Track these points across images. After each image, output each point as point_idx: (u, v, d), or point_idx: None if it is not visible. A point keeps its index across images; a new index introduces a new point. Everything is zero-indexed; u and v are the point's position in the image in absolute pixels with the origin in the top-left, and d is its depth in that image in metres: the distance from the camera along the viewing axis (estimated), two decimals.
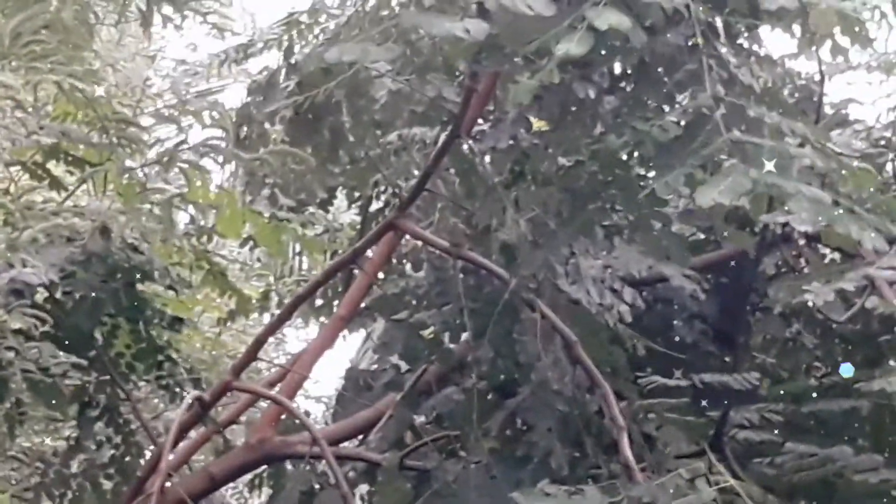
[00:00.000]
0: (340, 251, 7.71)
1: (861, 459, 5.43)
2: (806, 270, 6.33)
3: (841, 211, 3.63)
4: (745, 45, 4.75)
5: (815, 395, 6.32)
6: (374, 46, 4.07)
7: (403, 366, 6.64)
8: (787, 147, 3.80)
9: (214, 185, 6.99)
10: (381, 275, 6.70)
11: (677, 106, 4.44)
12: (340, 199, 7.64)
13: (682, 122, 4.23)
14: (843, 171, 4.18)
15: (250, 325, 8.69)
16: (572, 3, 3.94)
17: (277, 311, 7.54)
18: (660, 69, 4.56)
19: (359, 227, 7.66)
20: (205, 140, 6.56)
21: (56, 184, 7.05)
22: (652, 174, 5.25)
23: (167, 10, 7.07)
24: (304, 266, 8.77)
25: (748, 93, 4.34)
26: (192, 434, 6.32)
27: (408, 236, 6.27)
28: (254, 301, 8.32)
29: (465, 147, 5.75)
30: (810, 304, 5.77)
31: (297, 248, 8.38)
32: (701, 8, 4.19)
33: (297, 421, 6.13)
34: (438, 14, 4.15)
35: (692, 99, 4.24)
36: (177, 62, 9.69)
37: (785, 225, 5.85)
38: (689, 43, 4.40)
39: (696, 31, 4.05)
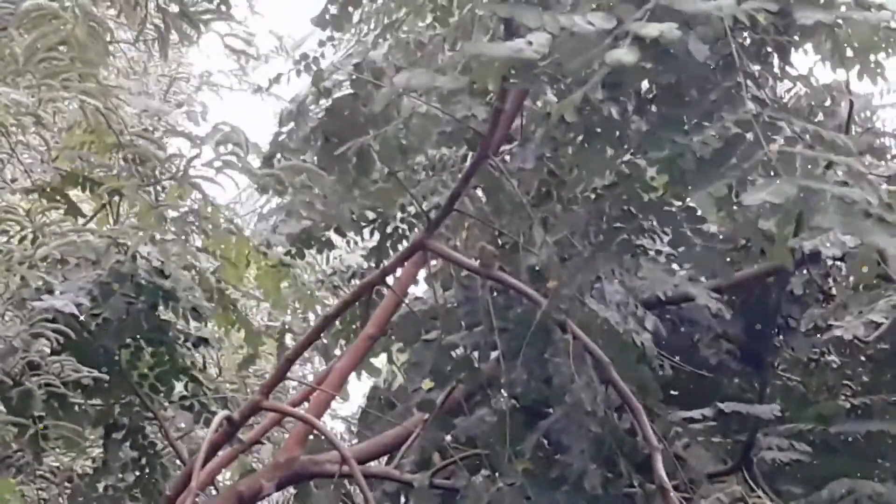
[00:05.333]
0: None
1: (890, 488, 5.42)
2: (833, 290, 6.34)
3: (871, 223, 3.60)
4: (776, 62, 4.79)
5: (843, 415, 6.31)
6: (441, 76, 4.07)
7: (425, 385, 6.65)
8: (823, 156, 3.81)
9: (225, 220, 6.99)
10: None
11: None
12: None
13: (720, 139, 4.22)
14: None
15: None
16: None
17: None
18: (693, 89, 4.58)
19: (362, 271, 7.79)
20: (219, 155, 6.54)
21: (73, 209, 7.06)
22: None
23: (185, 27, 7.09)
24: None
25: (782, 110, 4.36)
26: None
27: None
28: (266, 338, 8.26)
29: (492, 166, 5.78)
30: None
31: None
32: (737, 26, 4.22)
33: (325, 439, 6.14)
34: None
35: (730, 115, 4.24)
36: (200, 80, 9.71)
37: None
38: (722, 62, 4.44)
39: (733, 49, 4.06)
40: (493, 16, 4.37)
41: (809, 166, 3.76)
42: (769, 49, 4.69)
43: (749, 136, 4.02)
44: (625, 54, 3.64)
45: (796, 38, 4.59)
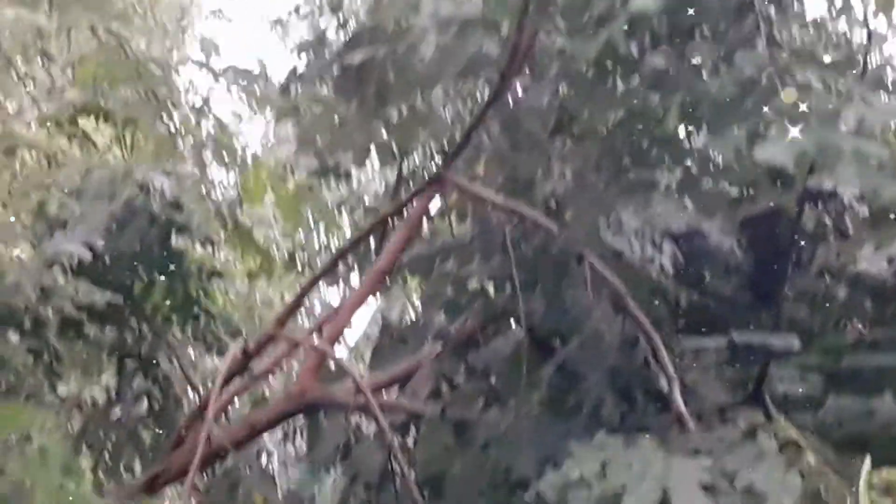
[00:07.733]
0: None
1: None
2: (850, 229, 6.34)
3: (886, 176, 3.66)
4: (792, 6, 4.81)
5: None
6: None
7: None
8: (834, 106, 3.85)
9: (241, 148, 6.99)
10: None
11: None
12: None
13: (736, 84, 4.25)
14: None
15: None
16: None
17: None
18: (707, 31, 4.62)
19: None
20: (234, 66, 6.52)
21: (88, 141, 7.06)
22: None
23: None
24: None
25: (796, 54, 4.39)
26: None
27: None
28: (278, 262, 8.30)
29: (509, 101, 5.80)
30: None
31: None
32: None
33: (338, 369, 6.18)
34: None
35: (745, 60, 4.27)
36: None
37: None
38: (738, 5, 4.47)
39: None
40: None
41: (825, 117, 3.78)
42: None
43: (764, 81, 4.05)
44: (648, 1, 3.64)
45: None
